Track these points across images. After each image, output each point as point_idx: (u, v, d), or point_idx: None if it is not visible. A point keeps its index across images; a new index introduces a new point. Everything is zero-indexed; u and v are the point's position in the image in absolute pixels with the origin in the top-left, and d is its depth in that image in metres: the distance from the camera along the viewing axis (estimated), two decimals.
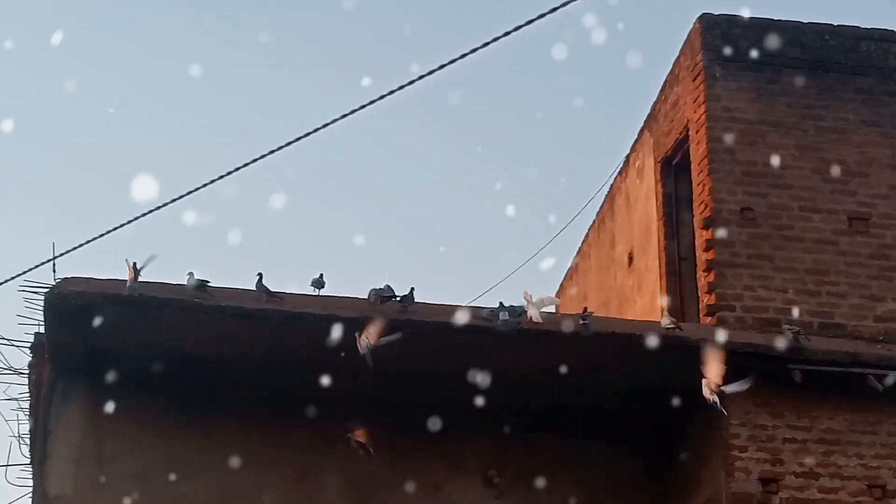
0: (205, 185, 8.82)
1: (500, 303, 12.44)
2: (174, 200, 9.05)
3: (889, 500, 12.20)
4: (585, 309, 13.93)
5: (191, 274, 12.08)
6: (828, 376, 12.27)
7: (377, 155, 32.36)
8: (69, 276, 12.20)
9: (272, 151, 8.81)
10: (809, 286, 13.32)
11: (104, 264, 12.45)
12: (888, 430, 12.41)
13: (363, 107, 8.59)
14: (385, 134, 32.03)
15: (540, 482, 13.15)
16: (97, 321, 12.00)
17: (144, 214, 8.98)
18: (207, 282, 12.07)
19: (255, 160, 8.79)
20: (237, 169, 8.90)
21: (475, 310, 12.54)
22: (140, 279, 12.06)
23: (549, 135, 32.45)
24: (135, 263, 12.06)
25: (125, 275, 11.92)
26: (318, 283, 12.78)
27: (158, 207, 9.04)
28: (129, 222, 9.07)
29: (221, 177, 8.92)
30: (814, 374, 12.24)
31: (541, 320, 12.31)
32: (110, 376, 12.54)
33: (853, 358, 12.35)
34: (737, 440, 12.20)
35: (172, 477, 12.56)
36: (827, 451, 12.30)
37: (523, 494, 13.15)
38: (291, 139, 8.73)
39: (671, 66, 14.98)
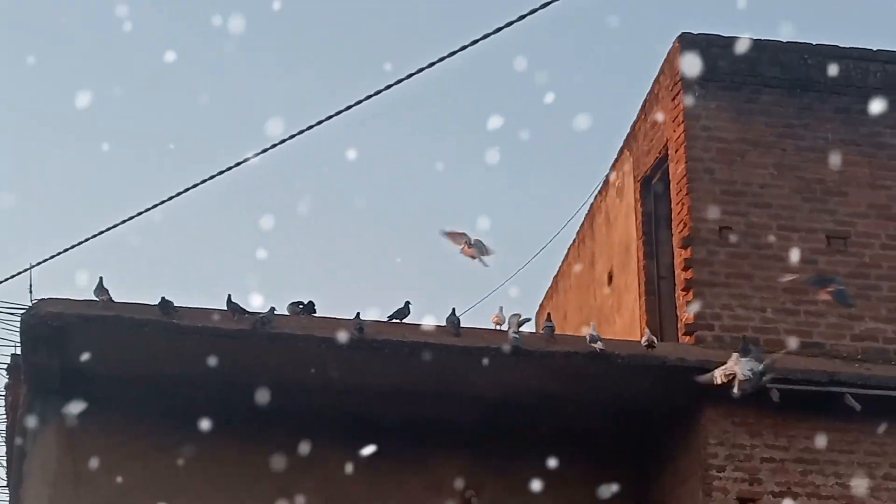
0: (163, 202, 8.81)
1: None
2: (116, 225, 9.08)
3: None
4: (549, 316, 13.91)
5: (163, 298, 12.10)
6: (806, 395, 12.25)
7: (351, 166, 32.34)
8: (45, 297, 12.18)
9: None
10: (788, 305, 13.32)
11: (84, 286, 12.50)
12: (866, 449, 12.40)
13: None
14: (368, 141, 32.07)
15: (518, 503, 13.12)
16: (74, 342, 11.99)
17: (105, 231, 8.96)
18: (171, 302, 12.06)
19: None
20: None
21: (449, 329, 12.52)
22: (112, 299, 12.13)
23: (533, 152, 32.56)
24: (101, 278, 12.21)
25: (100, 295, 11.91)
26: (308, 308, 12.73)
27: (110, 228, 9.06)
28: (87, 240, 9.08)
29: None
30: (792, 394, 12.21)
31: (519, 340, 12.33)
32: (86, 398, 12.51)
33: (831, 377, 12.34)
34: (715, 460, 12.18)
35: (149, 498, 12.50)
36: (805, 471, 12.27)
37: None
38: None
39: (651, 86, 15.01)
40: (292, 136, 8.96)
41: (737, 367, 11.69)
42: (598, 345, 12.34)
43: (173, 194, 9.34)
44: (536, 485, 13.15)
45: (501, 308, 13.48)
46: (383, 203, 32.20)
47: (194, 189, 9.23)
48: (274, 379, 12.56)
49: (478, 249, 12.70)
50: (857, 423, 12.37)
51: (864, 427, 12.40)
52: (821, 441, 12.32)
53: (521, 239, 32.99)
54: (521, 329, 12.61)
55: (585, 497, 13.22)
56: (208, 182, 9.15)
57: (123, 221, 9.30)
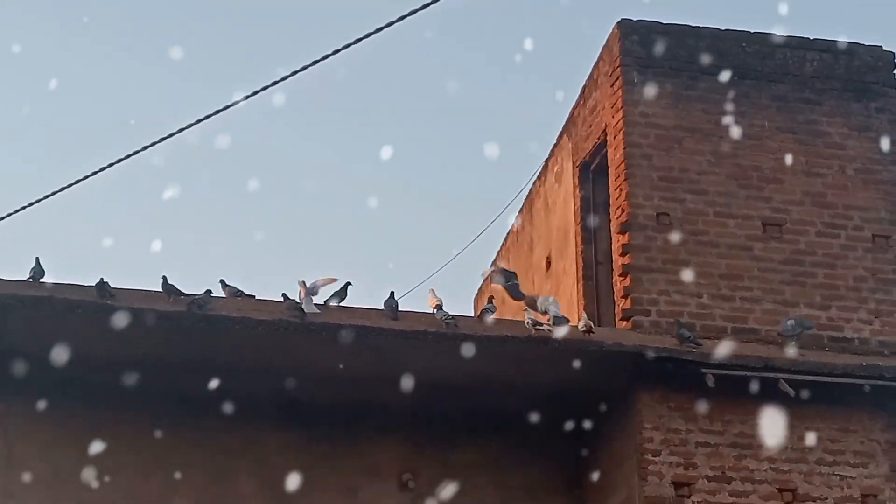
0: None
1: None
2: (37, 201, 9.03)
3: None
4: (491, 299, 13.98)
5: (101, 280, 12.00)
6: (741, 381, 12.34)
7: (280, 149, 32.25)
8: None
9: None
10: (724, 291, 13.41)
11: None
12: (799, 434, 12.50)
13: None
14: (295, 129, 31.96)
15: (455, 487, 13.14)
16: (6, 323, 11.86)
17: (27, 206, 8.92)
18: (108, 283, 11.97)
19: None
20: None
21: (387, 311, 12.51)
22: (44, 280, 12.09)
23: (475, 134, 32.58)
24: (37, 258, 12.20)
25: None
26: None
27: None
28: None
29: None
30: (727, 379, 12.30)
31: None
32: (20, 379, 12.39)
33: (766, 362, 12.43)
34: (650, 444, 12.24)
35: (83, 479, 12.41)
36: (739, 455, 12.36)
37: (438, 499, 13.10)
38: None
39: (590, 71, 15.04)
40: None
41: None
42: (545, 326, 12.37)
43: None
44: (473, 468, 13.20)
45: (433, 291, 13.51)
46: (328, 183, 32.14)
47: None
48: (209, 362, 12.48)
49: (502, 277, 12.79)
50: (791, 409, 12.46)
51: (797, 412, 12.49)
52: (755, 426, 12.41)
53: (460, 223, 33.08)
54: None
55: (522, 480, 13.28)
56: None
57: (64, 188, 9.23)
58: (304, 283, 12.51)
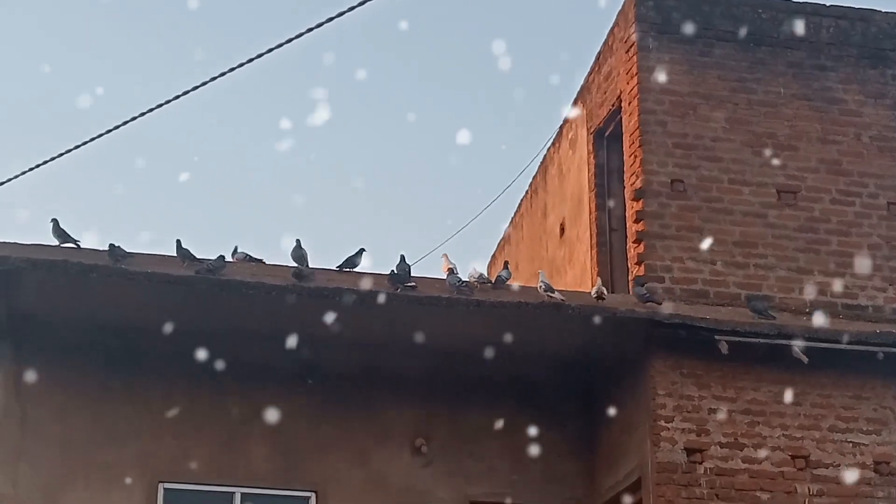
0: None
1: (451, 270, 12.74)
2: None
3: (812, 471, 12.29)
4: (506, 264, 14.00)
5: (111, 244, 12.07)
6: (754, 348, 12.33)
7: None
8: None
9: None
10: (738, 258, 13.39)
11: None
12: (812, 401, 12.49)
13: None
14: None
15: (467, 451, 13.17)
16: (22, 286, 11.89)
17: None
18: (120, 247, 12.00)
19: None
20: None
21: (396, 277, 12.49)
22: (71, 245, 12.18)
23: (489, 101, 32.54)
24: (55, 220, 12.38)
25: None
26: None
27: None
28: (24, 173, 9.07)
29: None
30: (740, 346, 12.28)
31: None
32: (35, 342, 12.44)
33: (779, 330, 12.41)
34: (663, 410, 12.23)
35: (96, 443, 12.46)
36: (752, 422, 12.35)
37: (451, 463, 13.14)
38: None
39: (605, 38, 14.98)
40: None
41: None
42: (557, 294, 12.36)
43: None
44: (485, 434, 13.21)
45: (446, 255, 13.53)
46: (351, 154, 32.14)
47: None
48: (223, 326, 12.52)
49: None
50: (804, 376, 12.45)
51: (810, 379, 12.49)
52: (768, 393, 12.41)
53: (474, 189, 33.07)
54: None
55: (534, 446, 13.25)
56: None
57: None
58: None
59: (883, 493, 12.37)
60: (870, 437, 12.51)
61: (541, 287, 12.44)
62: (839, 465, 12.36)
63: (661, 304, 12.44)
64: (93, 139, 9.35)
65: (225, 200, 31.80)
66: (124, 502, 12.42)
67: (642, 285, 12.74)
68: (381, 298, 12.01)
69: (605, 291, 12.72)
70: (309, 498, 12.82)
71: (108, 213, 30.10)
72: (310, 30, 9.03)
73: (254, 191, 31.75)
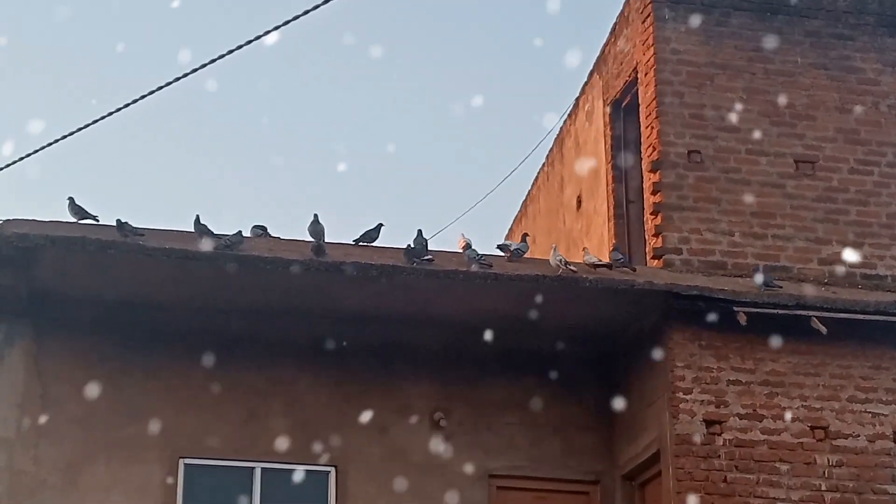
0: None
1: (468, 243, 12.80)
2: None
3: (831, 442, 12.27)
4: (524, 237, 14.02)
5: (118, 220, 12.10)
6: (772, 319, 12.30)
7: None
8: (11, 218, 12.11)
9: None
10: (756, 229, 13.36)
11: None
12: (831, 372, 12.47)
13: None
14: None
15: (486, 425, 13.19)
16: (40, 263, 11.92)
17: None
18: (127, 223, 12.02)
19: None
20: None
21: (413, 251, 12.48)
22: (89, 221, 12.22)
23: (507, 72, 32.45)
24: (71, 198, 12.46)
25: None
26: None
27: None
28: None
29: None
30: (759, 317, 12.26)
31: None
32: (55, 320, 12.48)
33: (797, 300, 12.38)
34: (681, 382, 12.22)
35: (116, 420, 12.50)
36: (770, 393, 12.34)
37: (469, 437, 13.16)
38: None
39: (621, 8, 14.92)
40: None
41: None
42: (581, 262, 12.34)
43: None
44: (503, 407, 13.22)
45: (463, 234, 13.54)
46: (359, 133, 32.10)
47: None
48: (241, 302, 12.55)
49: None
50: (823, 346, 12.43)
51: (829, 350, 12.46)
52: (787, 364, 12.39)
53: (491, 163, 33.03)
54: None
55: (552, 419, 13.29)
56: None
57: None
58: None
59: None
60: (889, 407, 12.48)
61: (560, 261, 12.41)
62: (858, 436, 12.34)
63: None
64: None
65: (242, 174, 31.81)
66: (145, 479, 12.46)
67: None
68: (398, 273, 12.02)
69: (624, 257, 12.76)
70: (329, 472, 12.85)
71: (124, 190, 30.14)
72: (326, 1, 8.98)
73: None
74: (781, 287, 12.52)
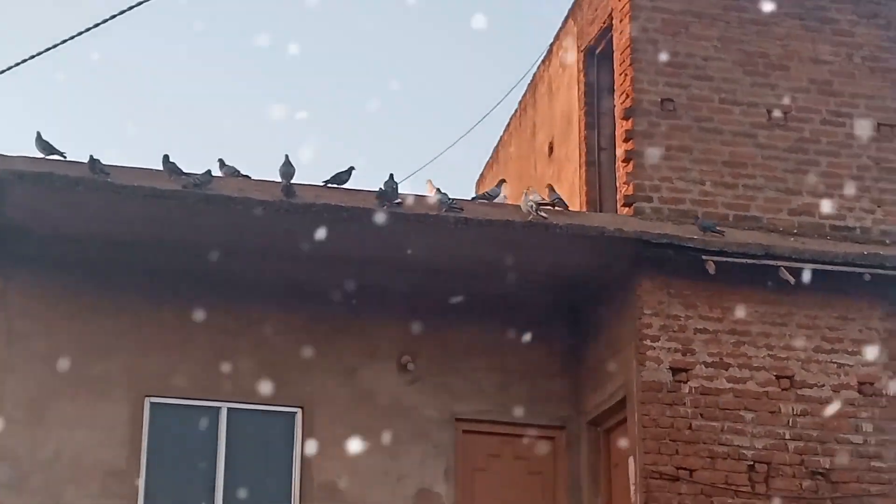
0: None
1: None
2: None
3: (796, 391, 12.35)
4: (501, 182, 14.02)
5: (91, 157, 11.97)
6: (741, 268, 12.33)
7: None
8: None
9: None
10: (727, 178, 13.35)
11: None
12: (798, 322, 12.53)
13: None
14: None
15: (454, 369, 13.21)
16: (7, 199, 11.81)
17: None
18: (99, 160, 11.91)
19: None
20: None
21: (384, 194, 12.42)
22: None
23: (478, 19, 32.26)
24: (38, 133, 12.24)
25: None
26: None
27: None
28: None
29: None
30: (727, 266, 12.29)
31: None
32: (21, 256, 12.39)
33: (766, 250, 12.41)
34: (649, 330, 12.27)
35: (81, 357, 12.45)
36: (737, 342, 12.40)
37: (437, 381, 13.18)
38: None
39: None
40: None
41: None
42: (543, 213, 12.30)
43: None
44: (471, 351, 13.24)
45: (430, 180, 13.51)
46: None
47: None
48: (210, 242, 12.46)
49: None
50: (791, 296, 12.49)
51: (797, 300, 12.53)
52: (754, 313, 12.43)
53: (463, 108, 32.90)
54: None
55: (520, 364, 13.32)
56: None
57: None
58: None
59: (867, 413, 12.46)
60: (854, 357, 12.57)
61: (529, 205, 12.36)
62: (823, 386, 12.43)
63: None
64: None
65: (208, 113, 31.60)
66: (110, 416, 12.44)
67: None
68: (368, 215, 11.97)
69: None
70: (295, 414, 12.86)
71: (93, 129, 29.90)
72: None
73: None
74: (724, 233, 12.50)
